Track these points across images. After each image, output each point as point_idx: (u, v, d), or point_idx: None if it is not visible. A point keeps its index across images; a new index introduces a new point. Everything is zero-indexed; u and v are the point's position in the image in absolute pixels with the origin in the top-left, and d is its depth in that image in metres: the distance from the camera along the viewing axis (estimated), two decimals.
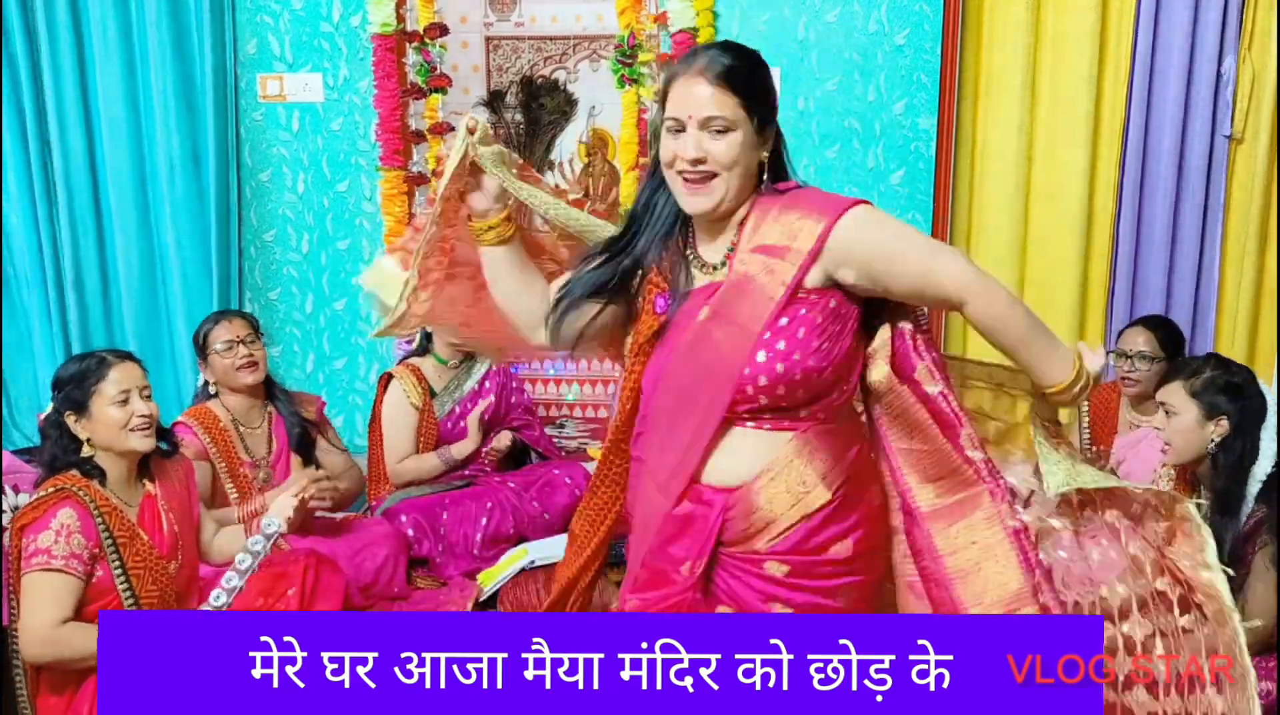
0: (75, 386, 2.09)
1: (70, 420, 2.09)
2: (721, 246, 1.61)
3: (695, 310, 1.59)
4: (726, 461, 1.59)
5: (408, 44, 3.74)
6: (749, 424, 1.57)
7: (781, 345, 1.52)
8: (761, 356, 1.52)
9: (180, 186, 3.83)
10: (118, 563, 2.04)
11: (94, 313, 4.03)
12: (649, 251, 1.62)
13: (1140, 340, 2.83)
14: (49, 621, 1.96)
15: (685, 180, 1.54)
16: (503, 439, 3.20)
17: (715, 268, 1.61)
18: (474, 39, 4.72)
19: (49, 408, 2.15)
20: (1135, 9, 3.45)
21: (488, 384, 3.22)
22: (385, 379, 3.18)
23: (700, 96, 1.50)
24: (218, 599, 2.10)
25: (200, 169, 3.84)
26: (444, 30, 3.89)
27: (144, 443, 2.11)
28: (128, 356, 2.18)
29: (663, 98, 1.57)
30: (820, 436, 1.58)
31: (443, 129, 4.02)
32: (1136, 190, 3.57)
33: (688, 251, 1.63)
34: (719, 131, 1.51)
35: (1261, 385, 2.25)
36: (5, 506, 2.64)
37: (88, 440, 2.09)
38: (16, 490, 2.74)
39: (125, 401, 2.08)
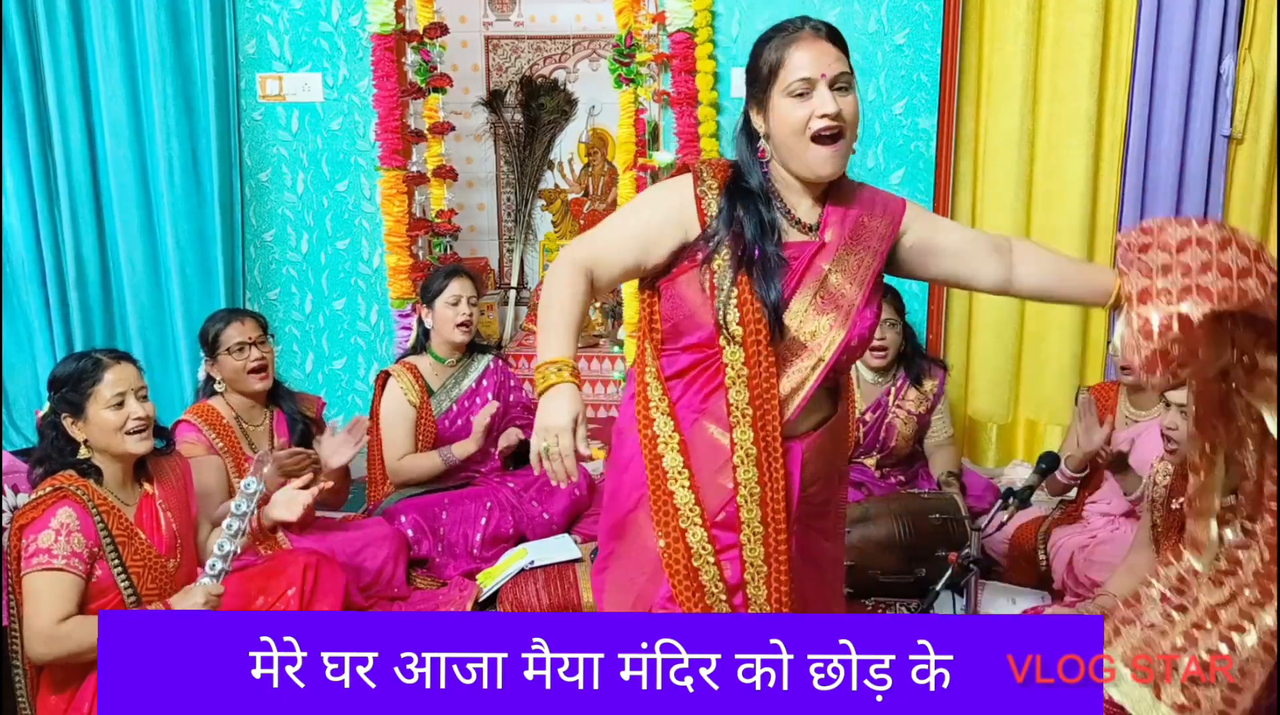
0: (71, 388, 2.07)
1: (67, 422, 2.08)
2: (813, 209, 1.67)
3: (806, 261, 1.64)
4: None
5: (407, 43, 3.74)
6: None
7: (872, 304, 1.68)
8: (868, 310, 1.66)
9: (180, 186, 3.83)
10: (117, 561, 2.04)
11: (95, 312, 4.03)
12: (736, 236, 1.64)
13: None
14: (51, 620, 1.96)
15: (819, 141, 1.57)
16: (510, 436, 3.19)
17: (811, 228, 1.66)
18: (473, 38, 4.73)
19: (46, 407, 2.14)
20: (1136, 9, 3.46)
21: (485, 382, 3.21)
22: (382, 378, 3.16)
23: (829, 54, 1.56)
24: (213, 567, 2.06)
25: (200, 169, 3.85)
26: (443, 30, 3.89)
27: (141, 445, 2.10)
28: (124, 357, 2.15)
29: (766, 72, 1.59)
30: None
31: (443, 129, 4.02)
32: (1138, 190, 3.58)
33: (775, 209, 1.65)
34: (843, 89, 1.57)
35: None
36: (4, 506, 2.64)
37: (84, 442, 2.09)
38: (16, 490, 2.73)
39: (121, 404, 2.07)
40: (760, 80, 1.60)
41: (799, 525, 1.69)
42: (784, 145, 1.60)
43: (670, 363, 1.68)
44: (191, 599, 2.03)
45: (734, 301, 1.59)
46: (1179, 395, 2.24)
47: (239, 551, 2.10)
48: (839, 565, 1.91)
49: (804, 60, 1.55)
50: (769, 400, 1.61)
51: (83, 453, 2.07)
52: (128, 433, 2.06)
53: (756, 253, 1.59)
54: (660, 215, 1.64)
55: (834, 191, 1.66)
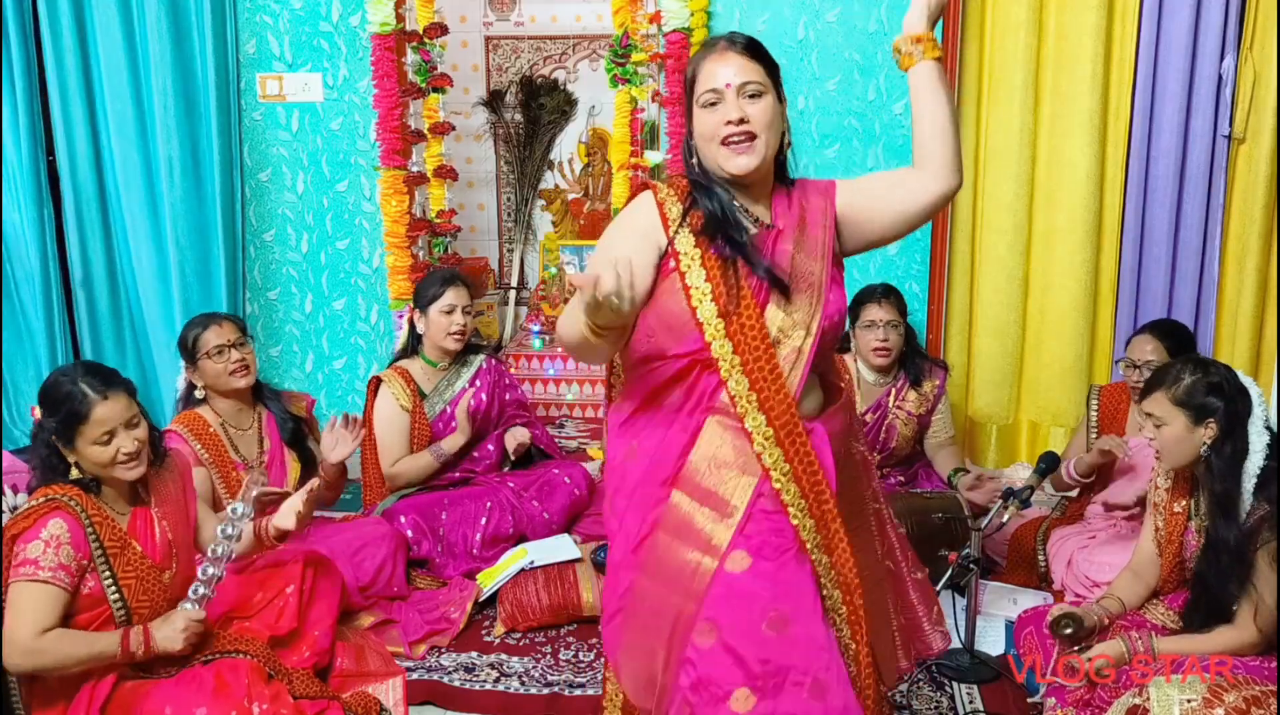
0: (60, 422, 2.04)
1: (60, 445, 2.06)
2: (757, 206, 1.71)
3: (770, 248, 1.67)
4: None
5: (407, 43, 3.74)
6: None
7: (837, 284, 1.72)
8: (835, 290, 1.70)
9: (180, 186, 3.83)
10: (108, 573, 2.03)
11: (96, 312, 4.03)
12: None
13: (1149, 348, 2.80)
14: (31, 632, 1.95)
15: (730, 144, 1.64)
16: (517, 434, 3.19)
17: (763, 223, 1.70)
18: (473, 38, 4.73)
19: (39, 412, 2.10)
20: (1138, 8, 3.44)
21: (478, 383, 3.18)
22: (374, 384, 3.13)
23: (734, 65, 1.65)
24: (195, 591, 2.10)
25: (200, 169, 3.85)
26: (443, 30, 3.89)
27: (131, 473, 2.08)
28: (111, 385, 2.07)
29: (690, 85, 1.69)
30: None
31: (443, 129, 4.02)
32: (1139, 190, 3.56)
33: (738, 210, 1.69)
34: (753, 95, 1.65)
35: (1246, 380, 2.23)
36: (5, 506, 2.63)
37: (75, 464, 2.07)
38: (16, 490, 2.73)
39: (109, 441, 2.03)
40: (687, 94, 1.70)
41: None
42: (703, 149, 1.69)
43: (655, 375, 1.67)
44: (171, 625, 2.06)
45: (709, 295, 1.61)
46: (1149, 404, 2.23)
47: (223, 575, 2.14)
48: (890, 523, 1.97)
49: (712, 72, 1.65)
50: (772, 382, 1.61)
51: (74, 474, 2.06)
52: (116, 465, 2.05)
53: (721, 240, 1.63)
54: (635, 239, 1.64)
55: (776, 189, 1.74)
